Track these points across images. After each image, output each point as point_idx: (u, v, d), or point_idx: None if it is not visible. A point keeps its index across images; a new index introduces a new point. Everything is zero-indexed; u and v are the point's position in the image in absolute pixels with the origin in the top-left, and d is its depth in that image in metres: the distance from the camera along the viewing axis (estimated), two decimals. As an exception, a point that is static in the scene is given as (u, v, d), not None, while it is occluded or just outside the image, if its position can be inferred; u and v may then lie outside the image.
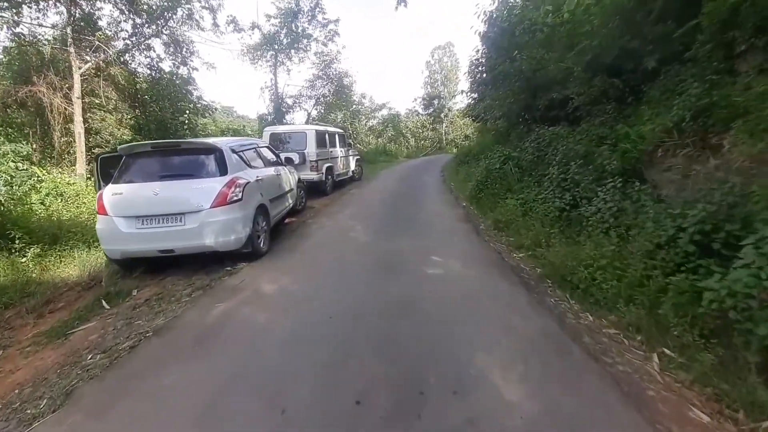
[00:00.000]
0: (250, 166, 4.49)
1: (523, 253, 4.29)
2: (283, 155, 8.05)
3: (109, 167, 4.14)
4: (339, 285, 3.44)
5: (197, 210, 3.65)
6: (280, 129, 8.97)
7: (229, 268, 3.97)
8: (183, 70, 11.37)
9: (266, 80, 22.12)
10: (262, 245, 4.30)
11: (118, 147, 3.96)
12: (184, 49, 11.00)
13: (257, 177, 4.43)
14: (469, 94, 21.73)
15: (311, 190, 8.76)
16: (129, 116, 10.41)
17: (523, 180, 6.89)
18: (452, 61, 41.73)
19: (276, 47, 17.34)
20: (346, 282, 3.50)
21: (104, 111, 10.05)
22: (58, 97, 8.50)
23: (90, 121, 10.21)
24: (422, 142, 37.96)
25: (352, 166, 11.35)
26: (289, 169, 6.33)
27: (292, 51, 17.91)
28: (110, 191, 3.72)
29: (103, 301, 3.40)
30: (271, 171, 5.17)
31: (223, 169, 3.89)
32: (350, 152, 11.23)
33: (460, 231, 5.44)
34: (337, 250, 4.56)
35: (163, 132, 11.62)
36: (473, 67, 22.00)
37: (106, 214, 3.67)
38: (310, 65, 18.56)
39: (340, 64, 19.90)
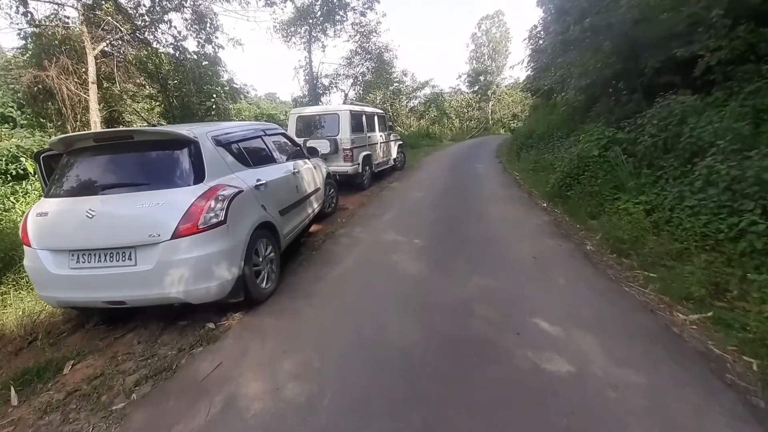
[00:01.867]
0: (249, 164, 3.02)
1: (698, 315, 2.42)
2: (309, 144, 6.62)
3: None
4: (378, 382, 1.90)
5: (153, 242, 2.25)
6: (308, 111, 7.49)
7: (211, 326, 2.59)
8: (208, 49, 10.24)
9: (300, 59, 20.82)
10: (264, 285, 2.86)
11: (49, 141, 2.67)
12: (208, 24, 9.81)
13: (259, 181, 2.96)
14: (529, 64, 18.89)
15: (345, 184, 7.26)
16: (149, 103, 9.54)
17: (640, 174, 4.83)
18: (502, 31, 37.78)
19: (310, 21, 15.80)
20: (389, 375, 1.95)
21: (124, 96, 9.24)
22: (71, 82, 7.70)
23: (114, 107, 9.52)
24: (467, 122, 35.00)
25: (394, 153, 9.67)
26: (315, 162, 4.83)
27: (327, 24, 16.27)
28: (35, 211, 2.45)
29: (12, 389, 2.16)
30: (285, 169, 3.68)
31: (198, 173, 2.44)
32: (391, 137, 9.53)
33: (556, 255, 3.62)
34: (374, 290, 2.97)
35: (189, 119, 10.73)
36: (536, 32, 18.86)
37: (30, 246, 2.42)
38: (346, 38, 16.82)
39: (379, 37, 17.95)
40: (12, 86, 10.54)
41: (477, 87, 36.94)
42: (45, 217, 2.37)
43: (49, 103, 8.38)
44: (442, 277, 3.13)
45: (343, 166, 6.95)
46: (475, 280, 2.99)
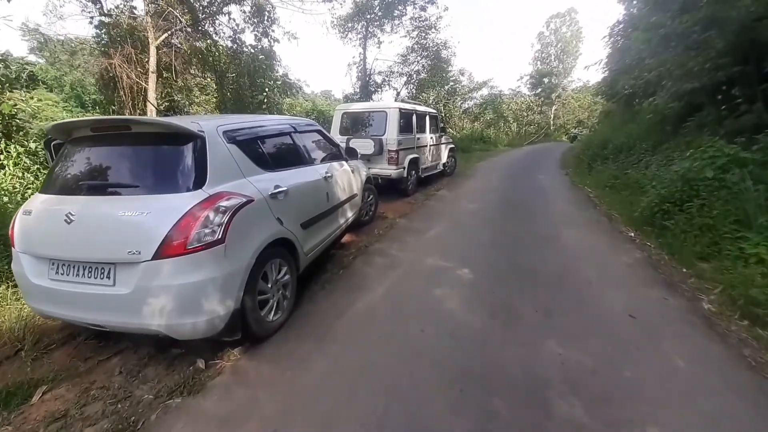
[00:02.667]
0: (269, 167, 2.49)
1: None
2: (352, 143, 6.08)
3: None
4: None
5: (132, 261, 1.79)
6: (354, 107, 6.98)
7: (201, 365, 2.08)
8: (264, 42, 10.24)
9: (354, 55, 20.63)
10: (272, 317, 2.31)
11: (46, 127, 2.35)
12: (266, 17, 9.76)
13: (278, 188, 2.41)
14: (606, 65, 16.91)
15: (386, 189, 6.63)
16: (207, 94, 9.72)
17: (776, 208, 3.60)
18: (573, 30, 35.01)
19: (368, 17, 15.44)
20: None
21: (182, 86, 9.49)
22: (133, 71, 7.98)
23: (174, 97, 9.86)
24: (526, 127, 32.68)
25: (444, 157, 8.85)
26: (354, 165, 4.25)
27: (385, 20, 15.79)
28: (24, 207, 2.12)
29: (-34, 418, 1.83)
30: (316, 172, 3.12)
31: (198, 176, 1.94)
32: (442, 139, 8.72)
33: (662, 315, 2.62)
34: (406, 344, 2.25)
35: (241, 112, 10.85)
36: (619, 29, 16.76)
37: (14, 247, 2.10)
38: (404, 34, 16.20)
39: (438, 33, 17.08)
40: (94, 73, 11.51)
41: (540, 89, 34.60)
42: (29, 217, 2.03)
43: (117, 90, 8.83)
44: (503, 335, 2.33)
45: (386, 169, 6.33)
46: (551, 347, 2.16)
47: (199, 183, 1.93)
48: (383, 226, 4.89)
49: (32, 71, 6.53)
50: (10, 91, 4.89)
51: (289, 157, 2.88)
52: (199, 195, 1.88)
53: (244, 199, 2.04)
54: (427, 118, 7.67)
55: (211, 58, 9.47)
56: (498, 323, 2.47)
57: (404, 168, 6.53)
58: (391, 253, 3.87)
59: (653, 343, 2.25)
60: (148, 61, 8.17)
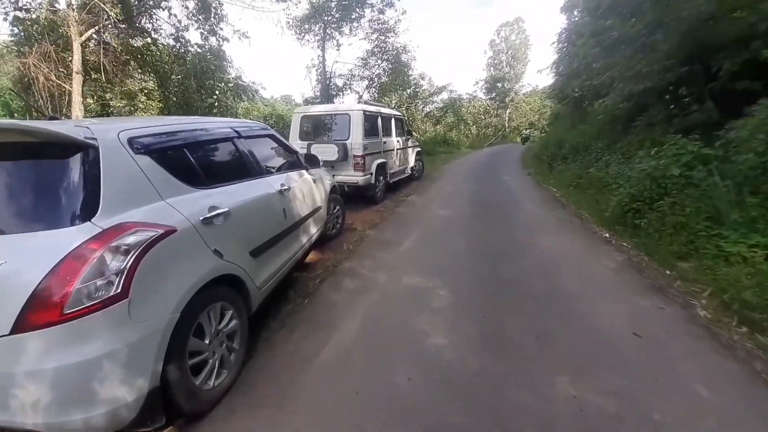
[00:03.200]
0: (200, 183, 1.93)
1: None
2: (314, 148, 5.55)
3: None
4: None
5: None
6: (315, 110, 6.44)
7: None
8: (212, 42, 9.37)
9: (313, 57, 19.99)
10: (211, 382, 1.75)
11: None
12: (212, 14, 8.92)
13: (215, 210, 1.86)
14: (556, 69, 17.81)
15: (354, 197, 6.17)
16: (148, 97, 8.67)
17: (744, 204, 3.63)
18: (521, 38, 37.11)
19: (325, 18, 14.91)
20: None
21: (120, 89, 8.38)
22: (53, 71, 6.84)
23: (107, 101, 8.68)
24: (484, 130, 33.85)
25: (411, 161, 8.55)
26: (316, 174, 3.74)
27: (344, 22, 15.37)
28: None
29: None
30: (267, 186, 2.58)
31: (87, 202, 1.36)
32: (409, 142, 8.42)
33: (665, 329, 2.39)
34: (389, 400, 1.80)
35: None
36: (565, 35, 17.65)
37: None
38: (363, 36, 15.87)
39: (397, 37, 16.95)
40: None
41: (494, 94, 36.19)
42: None
43: (34, 94, 7.56)
44: (505, 374, 1.94)
45: (353, 176, 5.86)
46: (563, 387, 1.80)
47: (87, 212, 1.34)
48: (352, 240, 4.40)
49: None
50: None
51: (232, 168, 2.33)
52: (87, 230, 1.30)
53: (160, 231, 1.48)
54: (393, 120, 7.32)
55: (149, 58, 8.45)
56: (495, 358, 2.08)
57: (372, 174, 6.10)
58: (362, 273, 3.39)
59: (669, 369, 1.98)
60: (72, 61, 7.05)
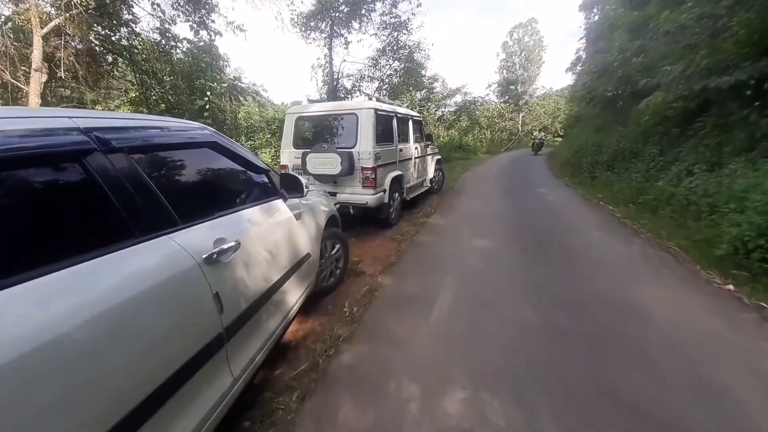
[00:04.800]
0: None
1: None
2: (310, 159, 4.27)
3: None
4: None
5: None
6: (313, 110, 5.08)
7: None
8: (203, 36, 8.23)
9: (319, 56, 18.90)
10: None
11: None
12: (202, 2, 7.79)
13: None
14: (579, 68, 16.37)
15: (362, 220, 4.86)
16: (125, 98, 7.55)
17: None
18: (535, 40, 35.91)
19: (333, 14, 13.77)
20: None
21: (96, 91, 7.27)
22: (7, 68, 5.74)
23: (75, 104, 7.58)
24: (499, 134, 32.35)
25: (431, 171, 7.19)
26: (300, 206, 2.41)
27: (353, 19, 14.20)
28: None
29: None
30: (183, 254, 1.25)
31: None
32: (428, 149, 7.07)
33: None
34: None
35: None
36: (597, 33, 16.26)
37: None
38: (373, 32, 14.67)
39: (410, 35, 15.70)
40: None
41: (507, 97, 34.98)
42: None
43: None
44: None
45: (360, 195, 4.53)
46: None
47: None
48: (358, 297, 3.04)
49: None
50: None
51: (84, 227, 1.01)
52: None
53: None
54: (411, 123, 5.99)
55: (126, 54, 7.33)
56: None
57: (385, 191, 4.76)
58: (372, 375, 2.03)
59: None
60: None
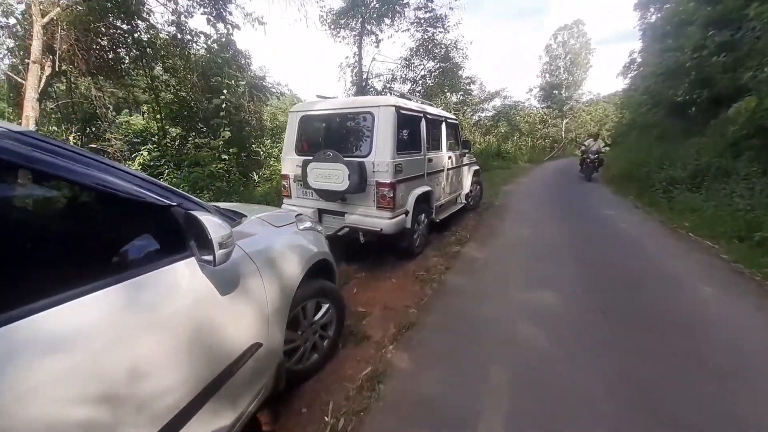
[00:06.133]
0: None
1: None
2: (312, 168, 3.29)
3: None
4: None
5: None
6: (320, 107, 3.96)
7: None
8: (220, 28, 7.61)
9: (348, 55, 18.20)
10: None
11: None
12: (220, -5, 7.15)
13: None
14: (636, 72, 14.49)
15: (377, 246, 3.81)
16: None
17: None
18: (581, 42, 33.44)
19: (363, 10, 12.94)
20: None
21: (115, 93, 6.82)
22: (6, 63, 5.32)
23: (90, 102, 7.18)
24: (540, 141, 30.14)
25: (467, 185, 5.96)
26: (242, 266, 1.37)
27: (385, 17, 13.30)
28: None
29: None
30: None
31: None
32: (465, 158, 5.87)
33: None
34: None
35: (188, 121, 8.15)
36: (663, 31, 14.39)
37: None
38: (406, 27, 13.69)
39: (447, 33, 14.52)
40: None
41: (550, 102, 32.74)
42: None
43: None
44: None
45: (374, 218, 3.44)
46: None
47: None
48: (351, 389, 1.93)
49: None
50: None
51: None
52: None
53: None
54: (444, 126, 4.84)
55: (143, 47, 6.80)
56: None
57: (407, 213, 3.64)
58: None
59: None
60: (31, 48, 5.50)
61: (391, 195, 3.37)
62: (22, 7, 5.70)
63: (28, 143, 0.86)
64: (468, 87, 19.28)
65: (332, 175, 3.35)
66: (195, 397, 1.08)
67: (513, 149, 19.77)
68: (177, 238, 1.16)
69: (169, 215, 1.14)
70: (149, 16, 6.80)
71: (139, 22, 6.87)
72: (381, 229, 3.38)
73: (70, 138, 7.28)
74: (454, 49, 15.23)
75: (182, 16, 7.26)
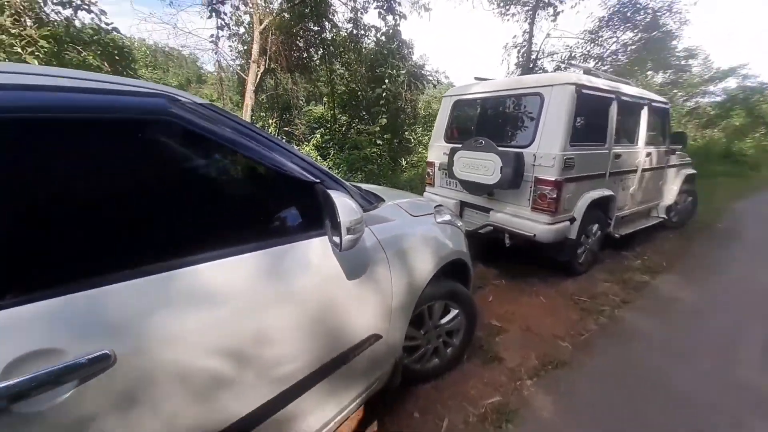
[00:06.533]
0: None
1: None
2: (459, 158, 2.97)
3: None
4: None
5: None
6: (477, 89, 3.42)
7: None
8: (389, 20, 8.00)
9: (516, 34, 16.35)
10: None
11: None
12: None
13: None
14: None
15: (522, 254, 3.18)
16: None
17: None
18: None
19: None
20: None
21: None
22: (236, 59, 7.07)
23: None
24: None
25: (671, 193, 4.33)
26: (370, 255, 1.24)
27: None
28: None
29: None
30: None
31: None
32: (672, 158, 4.25)
33: None
34: None
35: (353, 109, 9.04)
36: None
37: None
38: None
39: (655, -1, 11.02)
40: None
41: None
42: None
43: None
44: None
45: (526, 221, 2.83)
46: None
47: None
48: (470, 414, 1.60)
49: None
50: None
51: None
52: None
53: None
54: (645, 112, 3.56)
55: (329, 46, 7.90)
56: None
57: (572, 220, 2.85)
58: None
59: None
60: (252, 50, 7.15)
61: (554, 196, 2.66)
62: (248, 18, 7.49)
63: (197, 116, 0.91)
64: (684, 63, 14.36)
65: (481, 165, 2.90)
66: (311, 373, 1.08)
67: (753, 150, 13.79)
68: (317, 214, 1.13)
69: (312, 191, 1.12)
70: (333, 16, 7.74)
71: (326, 23, 7.91)
72: (534, 235, 2.74)
73: (271, 123, 9.28)
74: (668, 13, 11.49)
75: (359, 12, 7.96)
